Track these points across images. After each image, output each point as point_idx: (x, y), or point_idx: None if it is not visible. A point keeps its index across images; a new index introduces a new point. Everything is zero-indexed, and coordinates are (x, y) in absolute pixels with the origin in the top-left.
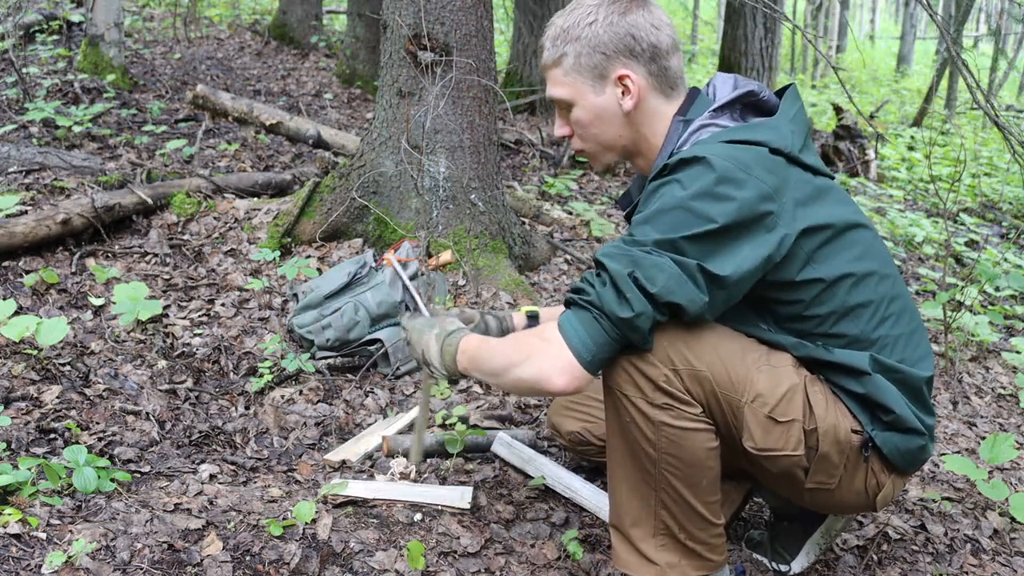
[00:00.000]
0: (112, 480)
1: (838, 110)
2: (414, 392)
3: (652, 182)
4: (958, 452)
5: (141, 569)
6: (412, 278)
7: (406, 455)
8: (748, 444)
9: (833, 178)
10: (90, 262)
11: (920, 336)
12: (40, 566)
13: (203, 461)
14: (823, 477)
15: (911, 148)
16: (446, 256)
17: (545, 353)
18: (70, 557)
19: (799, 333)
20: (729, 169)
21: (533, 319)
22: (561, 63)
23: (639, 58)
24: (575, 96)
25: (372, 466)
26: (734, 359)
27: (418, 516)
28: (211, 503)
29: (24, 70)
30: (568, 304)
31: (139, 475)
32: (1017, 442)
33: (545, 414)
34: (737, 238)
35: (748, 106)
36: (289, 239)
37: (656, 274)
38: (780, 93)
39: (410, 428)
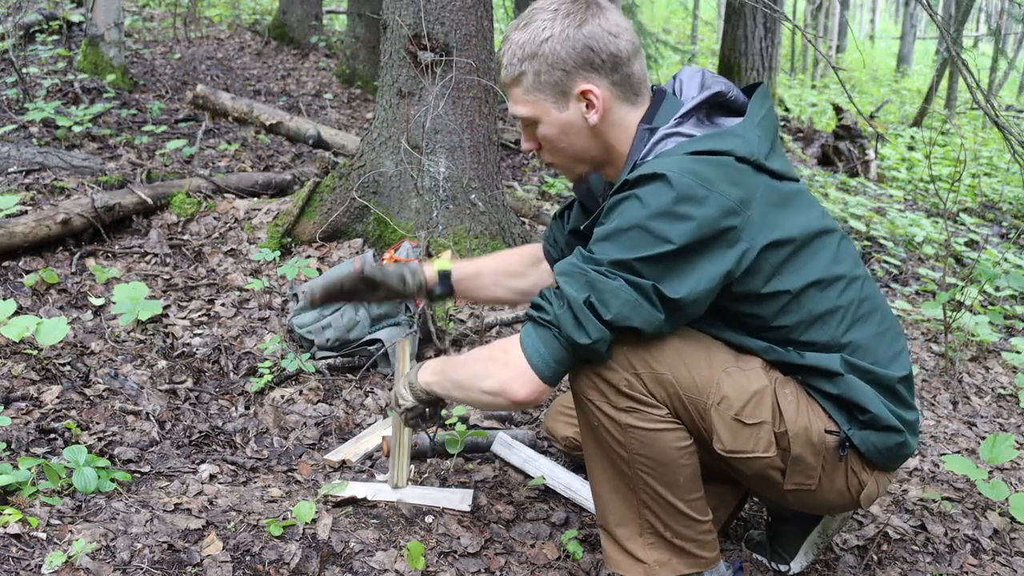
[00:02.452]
0: (112, 480)
1: (838, 110)
2: None
3: (613, 196)
4: (958, 452)
5: (141, 569)
6: None
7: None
8: (717, 446)
9: (799, 180)
10: (90, 262)
11: (893, 336)
12: (40, 566)
13: (203, 461)
14: (801, 478)
15: (911, 148)
16: (446, 256)
17: (506, 366)
18: (70, 557)
19: (769, 341)
20: (689, 186)
21: (445, 278)
22: (521, 82)
23: (600, 70)
24: (539, 113)
25: (372, 466)
26: (698, 362)
27: (418, 516)
28: (211, 503)
29: (24, 70)
30: (528, 318)
31: (139, 475)
32: (1017, 442)
33: (545, 415)
34: (696, 256)
35: (715, 107)
36: (289, 239)
37: (610, 299)
38: (749, 90)
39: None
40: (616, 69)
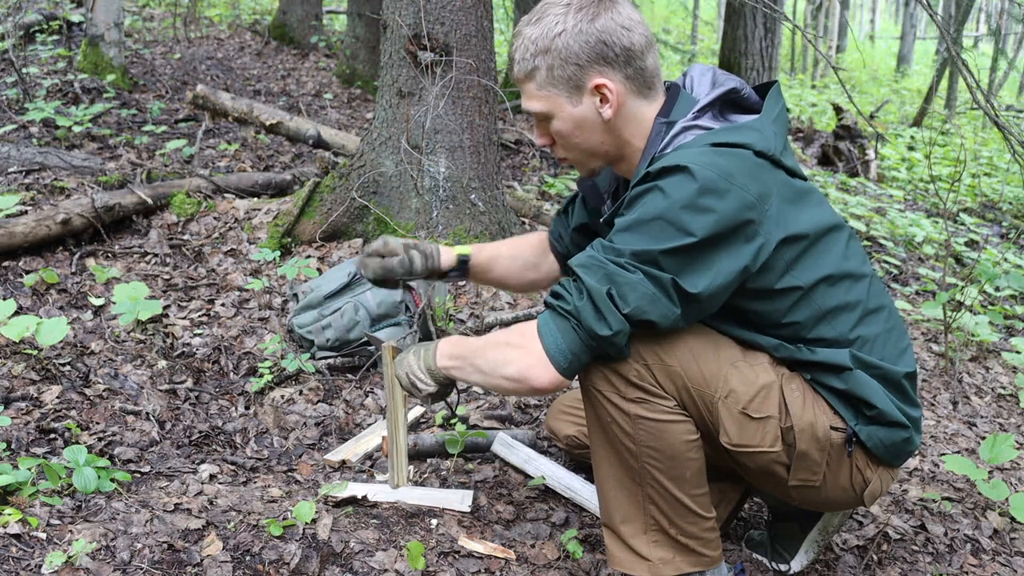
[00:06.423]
0: (112, 480)
1: (838, 110)
2: None
3: (635, 187)
4: (958, 452)
5: (141, 569)
6: None
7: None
8: (724, 440)
9: (807, 179)
10: (90, 262)
11: (898, 333)
12: (40, 566)
13: (203, 461)
14: (806, 474)
15: (911, 148)
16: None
17: (526, 353)
18: (70, 557)
19: (779, 338)
20: (711, 179)
21: (463, 263)
22: (534, 77)
23: (613, 64)
24: (552, 108)
25: (372, 466)
26: (707, 356)
27: (418, 516)
28: (211, 503)
29: (24, 70)
30: (547, 306)
31: (139, 475)
32: (1017, 442)
33: (545, 414)
34: (715, 250)
35: (729, 103)
36: (289, 239)
37: (628, 292)
38: (761, 89)
39: (411, 429)
40: (630, 63)
